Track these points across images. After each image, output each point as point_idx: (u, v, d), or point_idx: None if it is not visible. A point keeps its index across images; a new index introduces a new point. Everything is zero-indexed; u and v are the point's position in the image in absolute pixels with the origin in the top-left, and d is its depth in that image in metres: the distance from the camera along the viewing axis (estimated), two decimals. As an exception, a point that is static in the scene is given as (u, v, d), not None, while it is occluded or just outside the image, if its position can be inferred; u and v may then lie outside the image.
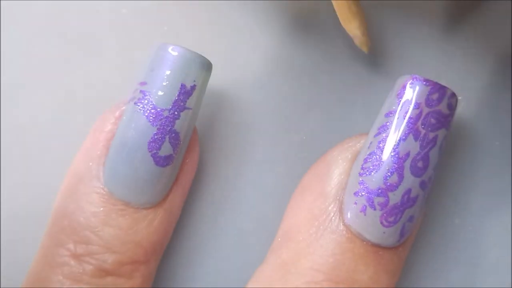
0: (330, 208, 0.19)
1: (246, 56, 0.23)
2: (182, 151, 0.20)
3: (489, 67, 0.23)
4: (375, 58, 0.23)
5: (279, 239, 0.20)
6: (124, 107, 0.20)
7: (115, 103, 0.21)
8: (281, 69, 0.23)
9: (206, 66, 0.20)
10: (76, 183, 0.20)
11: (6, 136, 0.23)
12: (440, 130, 0.19)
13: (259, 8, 0.23)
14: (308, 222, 0.20)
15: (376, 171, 0.19)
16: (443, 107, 0.19)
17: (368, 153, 0.19)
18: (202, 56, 0.19)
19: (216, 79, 0.23)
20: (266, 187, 0.23)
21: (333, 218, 0.19)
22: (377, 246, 0.19)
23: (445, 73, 0.23)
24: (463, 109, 0.23)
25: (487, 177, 0.23)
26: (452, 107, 0.19)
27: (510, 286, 0.22)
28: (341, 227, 0.19)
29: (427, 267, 0.23)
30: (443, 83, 0.23)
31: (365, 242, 0.19)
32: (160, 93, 0.19)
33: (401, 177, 0.18)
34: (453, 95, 0.19)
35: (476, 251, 0.22)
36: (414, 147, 0.19)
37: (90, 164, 0.20)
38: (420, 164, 0.19)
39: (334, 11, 0.23)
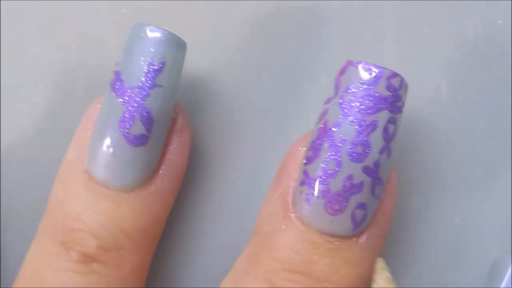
0: (285, 199, 0.19)
1: (246, 56, 0.23)
2: (160, 131, 0.20)
3: (489, 67, 0.23)
4: (374, 58, 0.23)
5: (252, 233, 0.21)
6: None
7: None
8: (282, 69, 0.23)
9: (177, 44, 0.19)
10: (66, 168, 0.20)
11: (6, 136, 0.23)
12: (379, 112, 0.18)
13: (260, 9, 0.23)
14: (268, 214, 0.20)
15: (315, 159, 0.19)
16: (381, 89, 0.18)
17: (310, 142, 0.19)
18: (171, 34, 0.19)
19: (216, 79, 0.23)
20: (266, 187, 0.23)
21: (287, 209, 0.19)
22: (331, 235, 0.19)
23: (445, 73, 0.23)
24: (463, 109, 0.23)
25: (487, 177, 0.23)
26: (393, 88, 0.18)
27: (510, 286, 0.22)
28: (294, 218, 0.19)
29: (427, 267, 0.23)
30: (443, 82, 0.23)
31: (318, 232, 0.19)
32: (128, 71, 0.19)
33: (339, 163, 0.18)
34: (394, 75, 0.18)
35: (476, 251, 0.22)
36: (350, 132, 0.18)
37: (79, 149, 0.20)
38: (359, 149, 0.18)
39: (334, 11, 0.23)
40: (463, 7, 0.23)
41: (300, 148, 0.20)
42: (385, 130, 0.18)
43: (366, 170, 0.18)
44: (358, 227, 0.19)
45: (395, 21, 0.23)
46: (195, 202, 0.23)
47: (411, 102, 0.23)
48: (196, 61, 0.23)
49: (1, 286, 0.22)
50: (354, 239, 0.19)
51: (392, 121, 0.18)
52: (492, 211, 0.23)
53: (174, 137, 0.20)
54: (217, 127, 0.23)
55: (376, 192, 0.19)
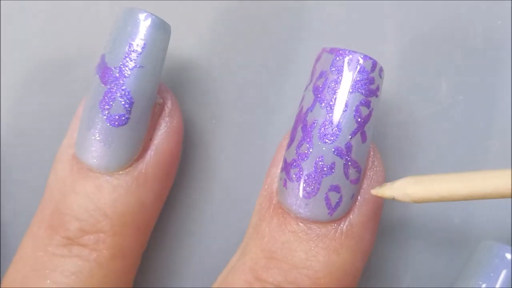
0: (270, 188, 0.20)
1: (246, 56, 0.23)
2: (141, 113, 0.20)
3: (489, 67, 0.23)
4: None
5: None
6: None
7: None
8: (282, 69, 0.23)
9: (159, 26, 0.20)
10: (57, 156, 0.21)
11: (6, 136, 0.23)
12: (350, 94, 0.18)
13: (259, 9, 0.23)
14: (257, 205, 0.20)
15: (291, 144, 0.19)
16: (351, 73, 0.19)
17: (291, 129, 0.20)
18: (154, 16, 0.19)
19: (216, 79, 0.23)
20: (266, 187, 0.23)
21: (271, 198, 0.20)
22: (308, 221, 0.19)
23: (445, 72, 0.23)
24: (463, 109, 0.23)
25: (487, 177, 0.23)
26: (364, 71, 0.19)
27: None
28: (277, 205, 0.19)
29: (427, 266, 0.23)
30: (443, 82, 0.23)
31: (296, 218, 0.19)
32: (110, 52, 0.19)
33: (310, 145, 0.19)
34: (366, 59, 0.19)
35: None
36: (321, 114, 0.19)
37: (70, 136, 0.20)
38: (329, 130, 0.18)
39: (334, 11, 0.23)
40: (463, 7, 0.23)
41: (287, 139, 0.20)
42: (357, 112, 0.19)
43: (338, 152, 0.19)
44: (334, 211, 0.19)
45: (395, 21, 0.23)
46: (194, 201, 0.23)
47: (411, 102, 0.23)
48: (196, 61, 0.23)
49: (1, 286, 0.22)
50: (334, 225, 0.19)
51: (365, 103, 0.19)
52: (492, 211, 0.23)
53: (162, 122, 0.20)
54: (217, 126, 0.23)
55: (350, 175, 0.19)
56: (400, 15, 0.23)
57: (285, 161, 0.19)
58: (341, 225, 0.19)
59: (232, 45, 0.23)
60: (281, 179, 0.19)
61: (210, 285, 0.21)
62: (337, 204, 0.19)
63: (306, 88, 0.19)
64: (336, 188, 0.19)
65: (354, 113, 0.19)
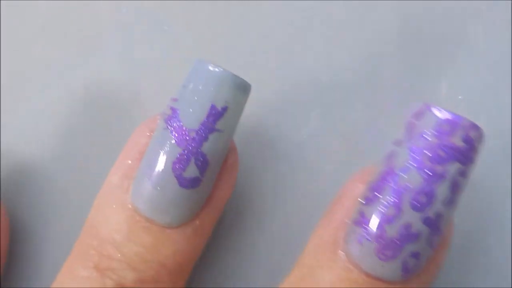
0: (336, 235, 0.19)
1: (245, 56, 0.23)
2: (213, 174, 0.19)
3: (489, 67, 0.23)
4: (375, 58, 0.23)
5: (304, 258, 0.20)
6: (158, 121, 0.19)
7: (152, 115, 0.20)
8: (281, 69, 0.23)
9: (242, 87, 0.19)
10: (108, 194, 0.20)
11: (6, 136, 0.23)
12: (451, 164, 0.17)
13: (259, 9, 0.23)
14: (316, 248, 0.19)
15: (374, 201, 0.18)
16: (456, 140, 0.17)
17: (371, 183, 0.18)
18: (238, 77, 0.18)
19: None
20: (265, 187, 0.23)
21: (336, 246, 0.19)
22: (378, 279, 0.18)
23: (445, 73, 0.23)
24: (463, 109, 0.23)
25: (487, 177, 0.23)
26: (469, 140, 0.17)
27: (510, 286, 0.22)
28: (342, 256, 0.19)
29: (427, 267, 0.23)
30: (443, 82, 0.23)
31: (365, 274, 0.18)
32: (188, 112, 0.18)
33: (398, 210, 0.17)
34: (472, 126, 0.17)
35: (476, 251, 0.22)
36: (416, 180, 0.17)
37: (122, 178, 0.19)
38: (422, 198, 0.17)
39: (334, 10, 0.23)
40: (463, 7, 0.23)
41: (358, 184, 0.19)
42: (454, 182, 0.17)
43: (427, 221, 0.17)
44: (408, 274, 0.18)
45: (395, 21, 0.23)
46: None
47: (411, 102, 0.23)
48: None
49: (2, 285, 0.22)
50: (400, 284, 0.18)
51: (463, 174, 0.18)
52: (492, 211, 0.23)
53: (224, 174, 0.20)
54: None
55: (433, 243, 0.18)
56: (400, 15, 0.23)
57: (363, 215, 0.18)
58: (408, 285, 0.18)
59: (232, 45, 0.23)
60: (354, 232, 0.18)
61: (210, 285, 0.21)
62: (413, 268, 0.18)
63: (399, 143, 0.18)
64: (416, 255, 0.18)
65: (450, 183, 0.17)
